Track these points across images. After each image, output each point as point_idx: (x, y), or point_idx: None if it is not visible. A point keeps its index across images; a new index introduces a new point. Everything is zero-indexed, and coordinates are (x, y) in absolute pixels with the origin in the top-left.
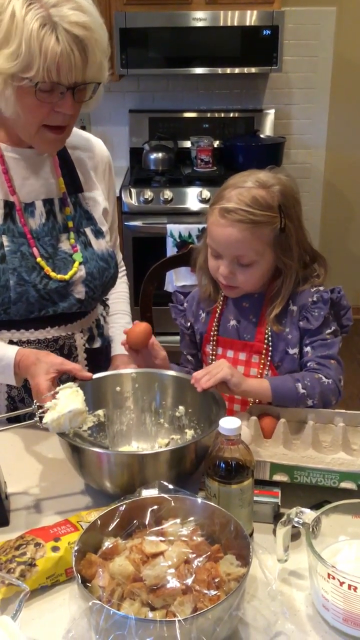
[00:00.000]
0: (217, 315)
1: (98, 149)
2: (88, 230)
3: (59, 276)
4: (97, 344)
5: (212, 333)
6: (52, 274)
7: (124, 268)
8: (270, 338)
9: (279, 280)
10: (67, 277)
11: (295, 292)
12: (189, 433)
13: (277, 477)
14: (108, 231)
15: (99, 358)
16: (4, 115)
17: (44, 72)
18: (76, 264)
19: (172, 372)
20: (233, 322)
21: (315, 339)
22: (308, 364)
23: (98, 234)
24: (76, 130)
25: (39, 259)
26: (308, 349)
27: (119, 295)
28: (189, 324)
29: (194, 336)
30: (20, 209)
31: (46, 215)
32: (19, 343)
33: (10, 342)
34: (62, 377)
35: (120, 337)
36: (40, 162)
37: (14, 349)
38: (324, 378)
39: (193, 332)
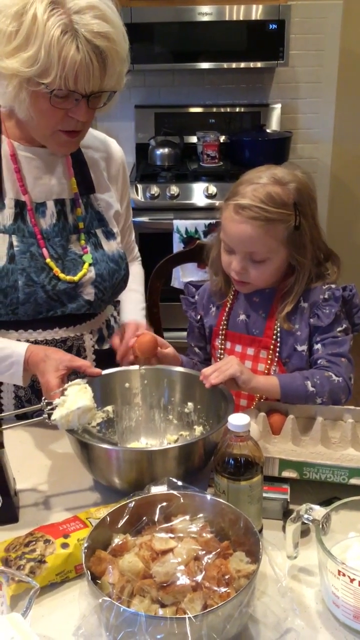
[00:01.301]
0: (227, 309)
1: (112, 149)
2: (99, 232)
3: (68, 277)
4: (107, 345)
5: (221, 327)
6: (61, 275)
7: (139, 258)
8: (279, 334)
9: (291, 277)
10: (76, 278)
11: (307, 289)
12: (198, 429)
13: (286, 474)
14: (119, 232)
15: (109, 359)
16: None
17: (61, 80)
18: (86, 265)
19: (180, 369)
20: (242, 317)
21: (326, 337)
22: (318, 362)
23: (109, 235)
24: (90, 131)
25: (48, 260)
26: (318, 346)
27: (133, 278)
28: (199, 316)
29: (203, 329)
30: (32, 208)
31: (57, 215)
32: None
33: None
34: (70, 376)
35: (129, 306)
36: (53, 162)
37: (24, 345)
38: (333, 376)
39: (202, 325)
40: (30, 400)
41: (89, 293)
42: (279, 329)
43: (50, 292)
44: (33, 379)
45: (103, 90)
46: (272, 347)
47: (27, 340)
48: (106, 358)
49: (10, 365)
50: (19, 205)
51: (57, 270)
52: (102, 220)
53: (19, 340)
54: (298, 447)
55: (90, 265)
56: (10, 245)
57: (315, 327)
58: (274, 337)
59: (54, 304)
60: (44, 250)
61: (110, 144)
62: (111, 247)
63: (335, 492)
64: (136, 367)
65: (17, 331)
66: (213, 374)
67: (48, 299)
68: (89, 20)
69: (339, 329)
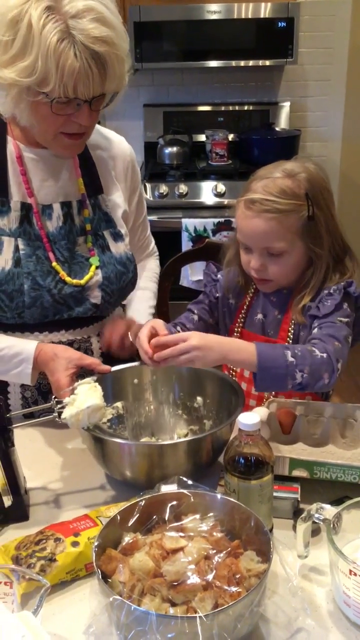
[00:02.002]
0: (245, 308)
1: (119, 147)
2: (107, 233)
3: (74, 281)
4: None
5: (237, 325)
6: (68, 279)
7: (156, 253)
8: (292, 336)
9: (309, 270)
10: (82, 282)
11: (321, 290)
12: (208, 424)
13: (297, 473)
14: (128, 233)
15: (116, 362)
16: None
17: (60, 88)
18: (92, 268)
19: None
20: (259, 316)
21: (324, 321)
22: (311, 341)
23: (117, 237)
24: (98, 128)
25: (54, 263)
26: (315, 330)
27: (147, 274)
28: (217, 295)
29: (215, 306)
30: (38, 211)
31: (63, 218)
32: None
33: None
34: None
35: (138, 306)
36: (59, 164)
37: (34, 343)
38: (317, 351)
39: (217, 302)
40: (36, 401)
41: (95, 296)
42: (292, 331)
43: (57, 296)
44: (39, 380)
45: (104, 93)
46: None
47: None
48: (113, 361)
49: (20, 363)
50: (25, 208)
51: (63, 273)
52: (110, 221)
53: None
54: (308, 446)
55: (97, 268)
56: (16, 249)
57: (314, 316)
58: (288, 339)
59: (60, 307)
60: (50, 254)
61: (116, 142)
62: (119, 249)
63: (346, 491)
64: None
65: (22, 333)
66: (165, 352)
67: (54, 303)
68: (86, 24)
69: (339, 317)
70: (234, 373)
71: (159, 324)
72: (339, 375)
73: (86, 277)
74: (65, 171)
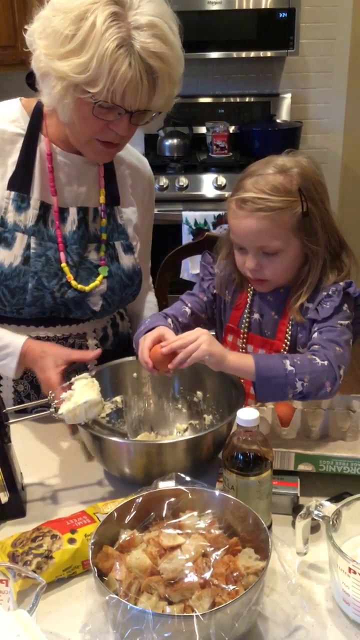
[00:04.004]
0: (242, 308)
1: (142, 168)
2: (118, 244)
3: (79, 286)
4: (111, 344)
5: (241, 326)
6: (73, 283)
7: (152, 288)
8: (289, 337)
9: (305, 267)
10: (87, 288)
11: (319, 288)
12: (208, 418)
13: (302, 467)
14: (137, 246)
15: (113, 358)
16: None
17: (108, 93)
18: (100, 277)
19: None
20: (256, 316)
21: (324, 325)
22: (311, 348)
23: (128, 249)
24: (128, 146)
25: (63, 264)
26: (315, 334)
27: (149, 305)
28: (214, 291)
29: (211, 303)
30: (57, 210)
31: (78, 223)
32: None
33: None
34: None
35: None
36: (86, 171)
37: (22, 338)
38: (317, 359)
39: (214, 299)
40: (29, 395)
41: (96, 304)
42: (290, 332)
43: (58, 299)
44: (32, 374)
45: (149, 109)
46: (282, 350)
47: (29, 336)
48: (109, 358)
49: (5, 356)
50: (44, 208)
51: (70, 276)
52: (123, 232)
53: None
54: (309, 439)
55: (104, 277)
56: (27, 247)
57: (313, 319)
58: (285, 340)
59: (60, 308)
60: (62, 254)
61: (140, 163)
62: (128, 261)
63: (346, 487)
64: None
65: (19, 326)
66: (179, 358)
67: (54, 304)
68: (147, 38)
69: (339, 321)
70: None
71: (167, 331)
72: (341, 381)
73: (91, 285)
74: (89, 179)
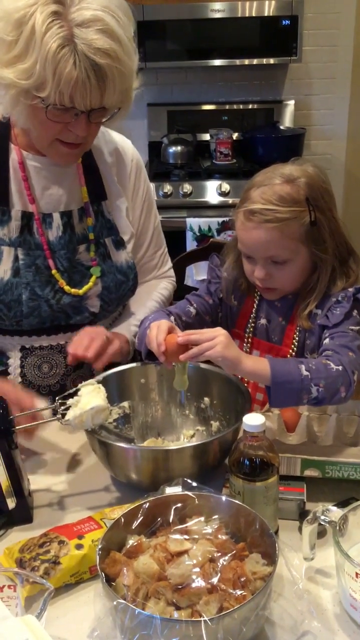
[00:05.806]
0: (249, 314)
1: (124, 151)
2: (108, 241)
3: (73, 290)
4: None
5: (246, 331)
6: (66, 288)
7: (172, 277)
8: (297, 343)
9: (314, 275)
10: (80, 292)
11: (327, 295)
12: (214, 425)
13: (308, 473)
14: (130, 239)
15: (112, 364)
16: None
17: (56, 95)
18: (93, 278)
19: (197, 364)
20: (263, 321)
21: (335, 331)
22: (323, 353)
23: (119, 245)
24: (103, 131)
25: (54, 271)
26: (327, 340)
27: (155, 294)
28: (221, 295)
29: (217, 306)
30: (39, 218)
31: (63, 228)
32: (30, 349)
33: (22, 348)
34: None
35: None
36: (62, 172)
37: None
38: (332, 364)
39: (220, 303)
40: None
41: (94, 305)
42: (297, 338)
43: (55, 306)
44: (38, 382)
45: (104, 107)
46: (289, 356)
47: (32, 346)
48: (115, 363)
49: None
50: (26, 217)
51: (62, 282)
52: (112, 228)
53: (23, 346)
54: (314, 444)
55: (97, 278)
56: (16, 259)
57: (324, 326)
58: (292, 346)
59: (58, 315)
60: (50, 261)
61: (121, 146)
62: (120, 257)
63: (352, 493)
64: (153, 362)
65: (21, 337)
66: (192, 352)
67: (52, 312)
68: (91, 34)
69: (350, 326)
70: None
71: (176, 328)
72: (355, 387)
73: (85, 288)
74: (68, 179)
